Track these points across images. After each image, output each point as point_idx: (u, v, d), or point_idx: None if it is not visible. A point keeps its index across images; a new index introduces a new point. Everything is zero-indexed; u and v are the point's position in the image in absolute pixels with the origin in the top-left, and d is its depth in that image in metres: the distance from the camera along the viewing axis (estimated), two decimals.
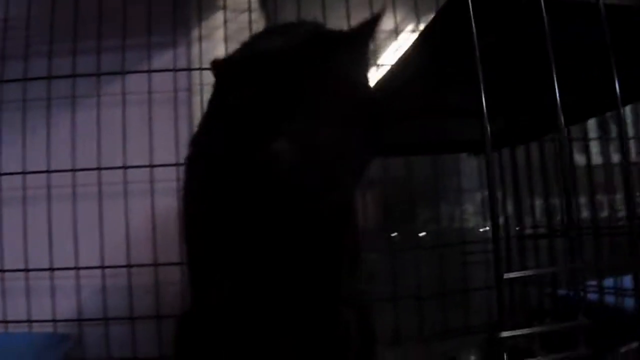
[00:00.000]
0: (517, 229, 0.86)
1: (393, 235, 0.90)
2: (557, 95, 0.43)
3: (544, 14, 0.42)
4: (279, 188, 0.44)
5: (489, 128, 0.45)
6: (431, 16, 0.50)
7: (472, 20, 0.42)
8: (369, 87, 0.49)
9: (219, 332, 0.51)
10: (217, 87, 0.47)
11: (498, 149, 0.90)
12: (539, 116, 0.78)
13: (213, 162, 0.49)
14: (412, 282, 0.86)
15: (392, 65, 0.62)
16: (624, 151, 0.55)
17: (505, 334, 0.38)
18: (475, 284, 0.87)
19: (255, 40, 0.50)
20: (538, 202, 0.88)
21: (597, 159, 0.92)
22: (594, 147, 0.91)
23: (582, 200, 0.90)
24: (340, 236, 0.52)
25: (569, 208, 0.65)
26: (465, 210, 0.90)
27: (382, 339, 0.89)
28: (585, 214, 0.89)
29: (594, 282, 0.81)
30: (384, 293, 0.85)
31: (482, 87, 0.45)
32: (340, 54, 0.45)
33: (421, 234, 0.90)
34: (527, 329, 0.42)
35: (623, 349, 0.62)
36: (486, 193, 0.91)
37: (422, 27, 0.90)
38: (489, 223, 0.94)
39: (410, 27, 0.95)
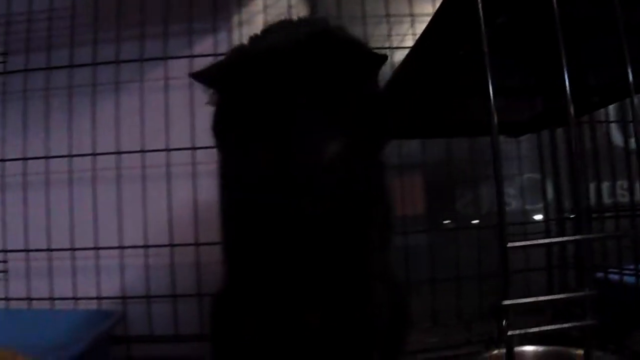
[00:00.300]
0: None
1: (434, 220, 0.90)
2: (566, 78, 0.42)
3: None
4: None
5: (494, 109, 0.43)
6: None
7: None
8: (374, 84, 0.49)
9: (251, 309, 0.52)
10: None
11: (537, 131, 0.90)
12: (576, 97, 0.77)
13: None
14: (451, 264, 0.87)
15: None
16: None
17: (508, 302, 0.38)
18: (514, 267, 0.87)
19: (246, 43, 0.52)
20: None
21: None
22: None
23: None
24: (371, 211, 0.52)
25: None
26: (506, 192, 0.90)
27: (422, 320, 0.90)
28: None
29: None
30: (424, 275, 0.86)
31: (487, 66, 0.43)
32: (341, 56, 0.44)
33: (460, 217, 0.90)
34: (532, 298, 0.42)
35: None
36: (526, 176, 0.91)
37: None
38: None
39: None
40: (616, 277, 0.78)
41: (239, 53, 0.50)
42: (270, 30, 0.55)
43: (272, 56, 0.45)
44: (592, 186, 0.83)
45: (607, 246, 0.81)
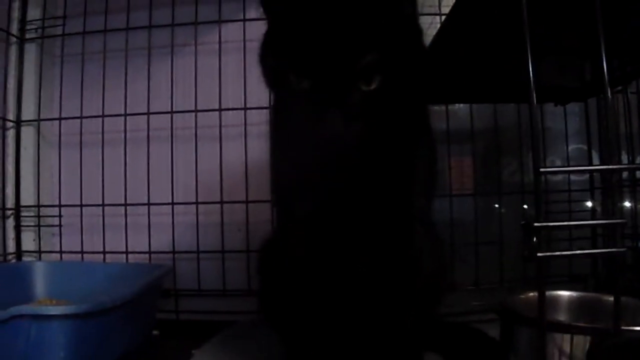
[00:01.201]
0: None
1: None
2: None
3: None
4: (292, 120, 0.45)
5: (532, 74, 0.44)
6: None
7: None
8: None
9: (298, 252, 0.53)
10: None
11: (584, 99, 0.90)
12: (627, 61, 0.76)
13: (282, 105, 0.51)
14: (494, 229, 0.88)
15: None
16: None
17: (538, 224, 0.40)
18: (557, 235, 0.88)
19: None
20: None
21: None
22: None
23: None
24: (413, 154, 0.52)
25: None
26: (552, 162, 0.91)
27: (464, 283, 0.92)
28: None
29: None
30: (467, 238, 0.88)
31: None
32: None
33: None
34: (561, 223, 0.44)
35: None
36: (572, 146, 0.91)
37: None
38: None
39: None
40: None
41: None
42: None
43: None
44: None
45: None
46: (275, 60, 0.46)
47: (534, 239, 0.41)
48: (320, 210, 0.50)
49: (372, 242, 0.51)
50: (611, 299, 0.63)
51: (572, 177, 0.89)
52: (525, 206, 0.89)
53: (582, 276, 0.88)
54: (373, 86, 0.43)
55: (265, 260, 0.63)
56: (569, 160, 0.90)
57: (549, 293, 0.65)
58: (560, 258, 0.43)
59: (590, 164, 0.89)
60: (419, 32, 0.50)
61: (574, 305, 0.66)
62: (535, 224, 0.40)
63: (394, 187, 0.50)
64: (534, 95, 0.42)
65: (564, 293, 0.68)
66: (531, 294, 0.66)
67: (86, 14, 1.01)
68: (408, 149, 0.51)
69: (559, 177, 0.88)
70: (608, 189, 0.84)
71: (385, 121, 0.47)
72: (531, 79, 0.42)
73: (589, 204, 0.91)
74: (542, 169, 0.42)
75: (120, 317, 0.67)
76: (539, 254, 0.41)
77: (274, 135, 0.55)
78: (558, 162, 0.90)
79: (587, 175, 0.88)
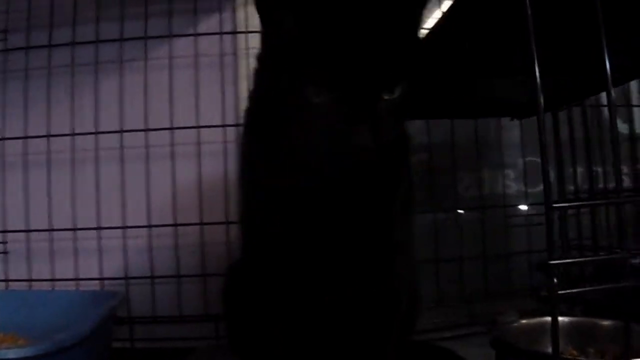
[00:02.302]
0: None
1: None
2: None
3: None
4: (311, 135, 0.43)
5: (540, 88, 0.44)
6: None
7: None
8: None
9: (269, 278, 0.51)
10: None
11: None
12: (584, 77, 0.77)
13: (263, 109, 0.48)
14: (455, 246, 0.87)
15: (437, 23, 0.62)
16: None
17: (555, 262, 0.39)
18: (517, 250, 0.88)
19: None
20: (580, 170, 0.88)
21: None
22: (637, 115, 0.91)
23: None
24: (395, 183, 0.51)
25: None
26: (507, 175, 0.91)
27: (425, 300, 0.90)
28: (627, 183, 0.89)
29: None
30: (427, 255, 0.87)
31: (532, 44, 0.43)
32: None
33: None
34: (575, 260, 0.43)
35: None
36: (528, 159, 0.91)
37: None
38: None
39: None
40: None
41: None
42: None
43: None
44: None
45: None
46: (290, 73, 0.42)
47: (553, 278, 0.39)
48: (311, 235, 0.48)
49: (355, 273, 0.50)
50: (608, 323, 0.63)
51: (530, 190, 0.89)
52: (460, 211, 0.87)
53: (537, 288, 0.89)
54: (395, 95, 0.42)
55: (233, 287, 0.60)
56: (526, 173, 0.90)
57: (541, 319, 0.64)
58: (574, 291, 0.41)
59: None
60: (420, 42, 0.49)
61: (571, 332, 0.64)
62: (551, 262, 0.38)
63: (382, 210, 0.49)
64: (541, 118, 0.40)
65: (560, 319, 0.67)
66: (523, 321, 0.66)
67: (30, 27, 0.96)
68: (398, 166, 0.50)
69: (514, 189, 0.89)
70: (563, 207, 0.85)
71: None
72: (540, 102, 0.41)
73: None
74: (554, 205, 0.40)
75: (79, 354, 0.63)
76: (560, 292, 0.39)
77: (255, 152, 0.51)
78: (512, 175, 0.90)
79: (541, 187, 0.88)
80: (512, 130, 0.90)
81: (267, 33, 0.46)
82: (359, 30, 0.41)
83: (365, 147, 0.41)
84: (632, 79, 0.85)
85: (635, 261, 0.82)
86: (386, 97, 0.42)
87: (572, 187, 0.87)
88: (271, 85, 0.45)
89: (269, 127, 0.48)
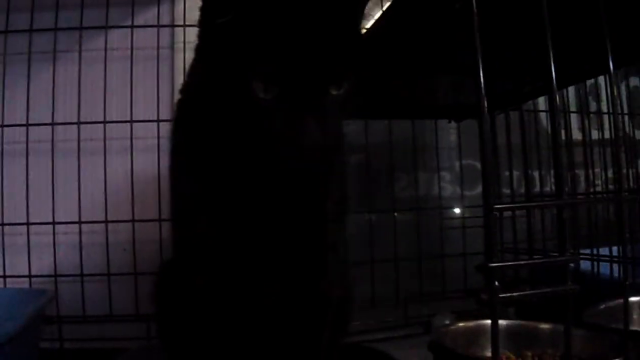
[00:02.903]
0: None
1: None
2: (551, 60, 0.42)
3: None
4: (258, 130, 0.42)
5: (483, 90, 0.43)
6: None
7: None
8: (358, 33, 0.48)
9: (201, 277, 0.50)
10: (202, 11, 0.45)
11: (477, 117, 0.91)
12: (523, 81, 0.78)
13: (199, 102, 0.47)
14: (389, 246, 0.87)
15: (378, 21, 0.62)
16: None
17: (493, 264, 0.39)
18: (451, 252, 0.88)
19: None
20: (516, 174, 0.89)
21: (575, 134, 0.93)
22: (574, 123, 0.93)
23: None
24: (326, 181, 0.50)
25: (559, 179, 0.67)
26: (443, 177, 0.91)
27: (359, 301, 0.90)
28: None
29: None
30: (362, 256, 0.86)
31: (478, 50, 0.42)
32: None
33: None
34: (516, 262, 0.43)
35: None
36: (464, 162, 0.92)
37: None
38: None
39: None
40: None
41: None
42: None
43: None
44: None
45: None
46: (235, 68, 0.41)
47: (494, 281, 0.38)
48: (243, 233, 0.47)
49: (284, 273, 0.49)
50: (546, 326, 0.63)
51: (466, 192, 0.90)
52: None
53: (475, 290, 0.89)
54: (342, 90, 0.42)
55: (164, 286, 0.59)
56: (462, 176, 0.90)
57: (478, 322, 0.64)
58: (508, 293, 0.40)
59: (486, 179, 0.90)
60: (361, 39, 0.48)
61: (508, 335, 0.64)
62: (490, 265, 0.37)
63: (310, 220, 0.48)
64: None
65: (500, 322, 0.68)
66: (461, 324, 0.66)
67: None
68: (320, 183, 0.49)
69: (449, 192, 0.89)
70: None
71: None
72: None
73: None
74: (496, 206, 0.39)
75: (5, 354, 0.60)
76: (501, 295, 0.38)
77: (190, 147, 0.49)
78: (448, 177, 0.90)
79: (479, 190, 0.89)
80: (448, 132, 0.90)
81: (208, 26, 0.45)
82: (304, 25, 0.41)
83: (314, 142, 0.40)
84: (568, 85, 0.87)
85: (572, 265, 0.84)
86: (333, 93, 0.42)
87: (507, 191, 0.87)
88: (212, 78, 0.44)
89: (207, 121, 0.46)
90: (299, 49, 0.40)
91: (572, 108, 0.92)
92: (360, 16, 0.46)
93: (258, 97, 0.41)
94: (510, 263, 0.43)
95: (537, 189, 0.88)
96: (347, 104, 0.44)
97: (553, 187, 0.89)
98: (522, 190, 0.89)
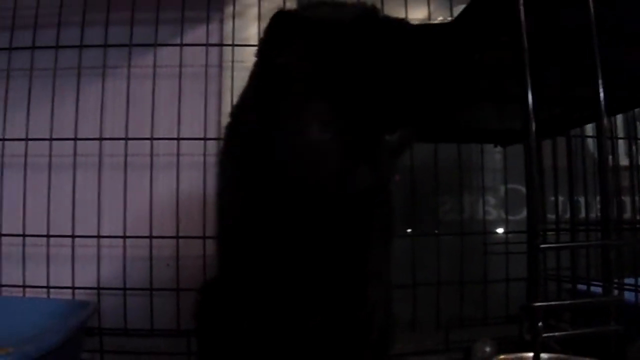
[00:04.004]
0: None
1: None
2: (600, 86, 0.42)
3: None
4: (309, 169, 0.44)
5: (532, 117, 0.43)
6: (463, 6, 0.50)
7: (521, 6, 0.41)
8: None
9: (244, 299, 0.51)
10: (267, 43, 0.45)
11: (523, 142, 0.90)
12: (570, 108, 0.77)
13: (250, 131, 0.48)
14: (432, 270, 0.86)
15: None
16: None
17: (538, 304, 0.38)
18: (494, 277, 0.87)
19: (314, 8, 0.49)
20: (561, 199, 0.88)
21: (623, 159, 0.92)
22: (621, 147, 0.91)
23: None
24: (372, 214, 0.51)
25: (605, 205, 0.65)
26: (487, 202, 0.90)
27: (401, 325, 0.89)
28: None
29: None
30: (404, 279, 0.86)
31: (527, 75, 0.42)
32: (391, 41, 0.44)
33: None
34: (560, 302, 0.42)
35: None
36: (509, 186, 0.91)
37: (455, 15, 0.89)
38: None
39: (442, 17, 0.96)
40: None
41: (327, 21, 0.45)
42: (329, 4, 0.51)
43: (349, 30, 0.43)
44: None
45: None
46: (295, 106, 0.43)
47: (537, 322, 0.38)
48: (290, 261, 0.48)
49: (326, 301, 0.50)
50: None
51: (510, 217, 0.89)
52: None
53: (517, 317, 0.88)
54: (395, 136, 0.43)
55: (207, 304, 0.59)
56: (507, 201, 0.89)
57: (521, 356, 0.62)
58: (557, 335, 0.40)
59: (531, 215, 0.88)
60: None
61: None
62: (535, 305, 0.37)
63: (354, 248, 0.49)
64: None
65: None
66: (502, 356, 0.63)
67: (14, 28, 0.94)
68: (366, 216, 0.50)
69: (493, 216, 0.88)
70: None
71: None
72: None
73: None
74: (542, 246, 0.38)
75: None
76: (544, 335, 0.38)
77: (239, 173, 0.51)
78: (492, 202, 0.89)
79: (524, 215, 0.88)
80: (494, 155, 0.89)
81: (268, 64, 0.45)
82: (368, 74, 0.42)
83: (364, 184, 0.42)
84: (618, 113, 0.86)
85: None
86: (387, 138, 0.43)
87: (552, 216, 0.86)
88: (268, 111, 0.45)
89: (257, 151, 0.47)
90: (358, 94, 0.41)
91: (620, 134, 0.90)
92: (427, 70, 0.46)
93: (313, 137, 0.42)
94: (553, 303, 0.42)
95: (583, 214, 0.86)
96: (401, 147, 0.45)
97: (599, 214, 0.87)
98: (567, 215, 0.87)
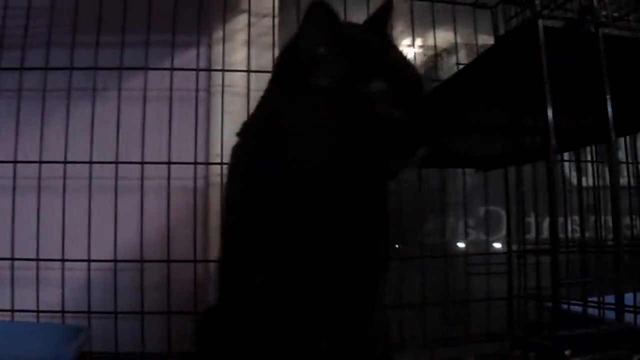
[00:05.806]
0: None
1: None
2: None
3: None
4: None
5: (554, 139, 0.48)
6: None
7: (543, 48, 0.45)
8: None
9: (248, 326, 0.51)
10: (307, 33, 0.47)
11: (504, 166, 0.93)
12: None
13: (262, 152, 0.50)
14: (416, 290, 0.89)
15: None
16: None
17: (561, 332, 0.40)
18: (476, 295, 0.90)
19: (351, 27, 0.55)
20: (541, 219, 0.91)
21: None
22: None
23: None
24: (379, 238, 0.53)
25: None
26: (468, 223, 0.93)
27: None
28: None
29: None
30: (390, 300, 0.88)
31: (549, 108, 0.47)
32: None
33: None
34: (585, 330, 0.44)
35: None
36: (490, 208, 0.94)
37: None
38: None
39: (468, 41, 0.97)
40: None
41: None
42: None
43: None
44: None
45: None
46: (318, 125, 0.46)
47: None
48: (284, 289, 0.49)
49: (335, 320, 0.51)
50: None
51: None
52: None
53: (498, 335, 0.91)
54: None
55: (209, 330, 0.60)
56: (487, 222, 0.92)
57: None
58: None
59: (508, 227, 0.91)
60: None
61: None
62: (529, 340, 0.39)
63: (362, 271, 0.51)
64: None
65: None
66: None
67: (2, 48, 0.93)
68: (374, 239, 0.53)
69: (474, 237, 0.91)
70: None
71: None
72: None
73: None
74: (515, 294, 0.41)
75: None
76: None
77: (252, 199, 0.51)
78: (471, 223, 0.93)
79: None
80: (474, 179, 0.92)
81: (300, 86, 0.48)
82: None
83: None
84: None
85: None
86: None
87: (529, 236, 0.90)
88: (288, 132, 0.47)
89: (272, 173, 0.48)
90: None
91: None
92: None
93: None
94: (547, 337, 0.44)
95: (564, 235, 0.90)
96: (395, 174, 0.51)
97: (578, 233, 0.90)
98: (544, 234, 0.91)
